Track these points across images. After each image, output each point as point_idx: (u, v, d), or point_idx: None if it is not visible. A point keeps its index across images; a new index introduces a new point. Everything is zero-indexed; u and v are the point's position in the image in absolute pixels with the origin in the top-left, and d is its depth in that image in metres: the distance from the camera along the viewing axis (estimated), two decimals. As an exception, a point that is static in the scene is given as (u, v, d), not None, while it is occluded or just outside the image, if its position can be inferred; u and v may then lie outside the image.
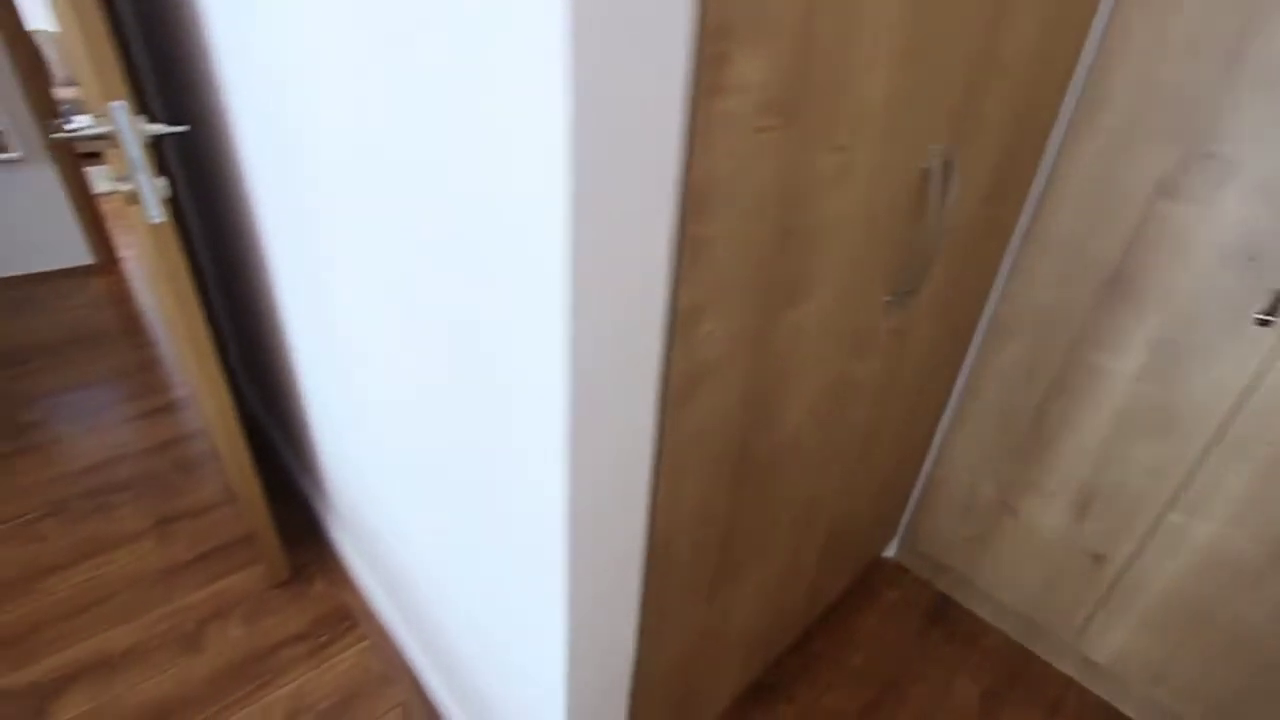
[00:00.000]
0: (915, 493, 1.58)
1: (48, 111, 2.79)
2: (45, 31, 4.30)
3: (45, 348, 2.44)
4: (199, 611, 1.42)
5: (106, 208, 3.87)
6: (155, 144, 0.96)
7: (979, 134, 0.87)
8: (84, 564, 1.52)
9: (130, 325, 2.66)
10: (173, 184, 1.33)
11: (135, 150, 0.97)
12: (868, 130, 0.65)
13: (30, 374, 2.27)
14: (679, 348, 0.57)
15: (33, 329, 2.57)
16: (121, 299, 2.88)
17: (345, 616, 1.42)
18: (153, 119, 1.43)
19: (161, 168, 0.98)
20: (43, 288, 2.93)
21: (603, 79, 0.38)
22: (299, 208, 0.94)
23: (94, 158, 4.15)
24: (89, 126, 1.00)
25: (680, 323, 0.55)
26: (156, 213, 1.02)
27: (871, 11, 0.56)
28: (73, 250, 3.04)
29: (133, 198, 1.01)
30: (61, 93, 4.09)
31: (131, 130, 0.96)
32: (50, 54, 4.44)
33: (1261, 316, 0.98)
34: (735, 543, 0.88)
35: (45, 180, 2.87)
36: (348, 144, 0.69)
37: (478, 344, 0.58)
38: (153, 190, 1.00)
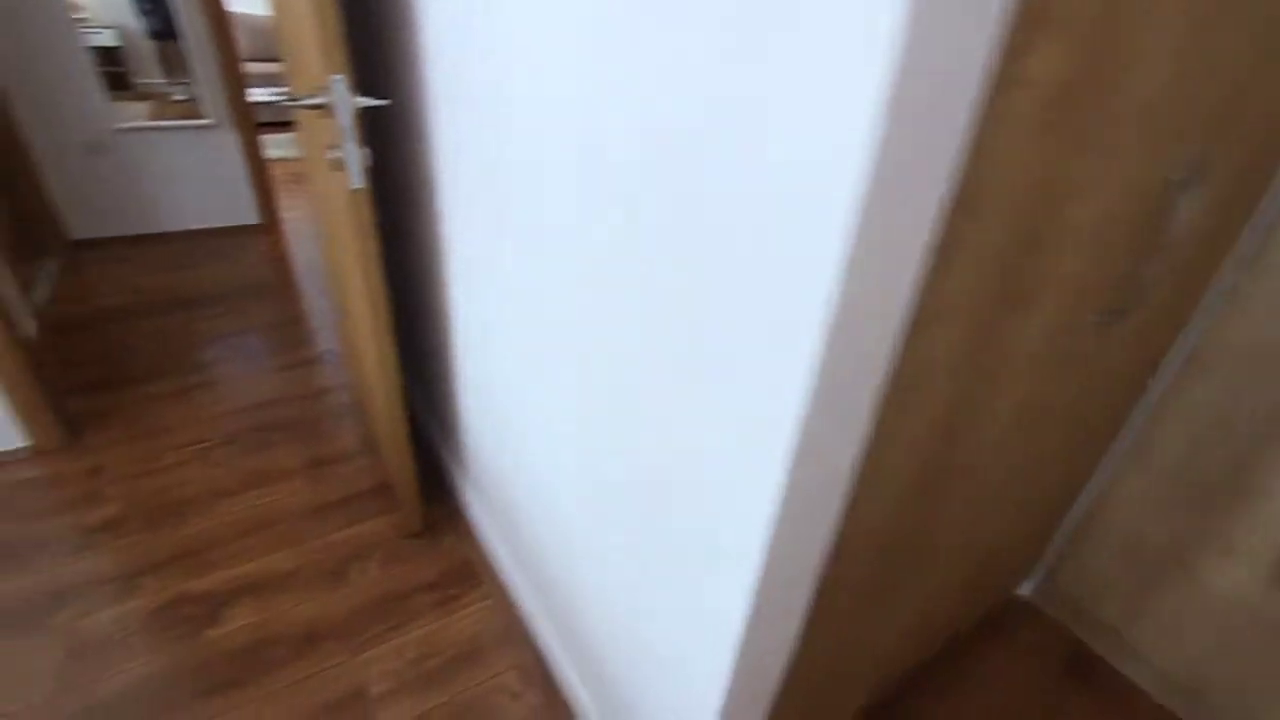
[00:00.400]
0: (1064, 529, 1.46)
1: (237, 84, 3.10)
2: (241, 14, 4.78)
3: (220, 296, 2.72)
4: (342, 550, 1.55)
5: (275, 172, 4.26)
6: (360, 116, 1.04)
7: (1233, 137, 0.78)
8: (250, 493, 1.69)
9: (285, 281, 2.92)
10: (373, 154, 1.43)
11: (347, 120, 1.05)
12: (1128, 131, 0.59)
13: (208, 318, 2.55)
14: (907, 355, 0.54)
15: (211, 278, 2.88)
16: (279, 257, 3.16)
17: (470, 575, 1.50)
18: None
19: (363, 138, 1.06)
20: (219, 241, 3.27)
21: (915, 68, 0.37)
22: (499, 196, 0.98)
23: (269, 127, 4.58)
24: (291, 99, 1.09)
25: (915, 329, 0.53)
26: (358, 179, 1.10)
27: (1169, -1, 0.51)
28: (245, 210, 3.37)
29: (337, 164, 1.10)
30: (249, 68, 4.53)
31: (346, 102, 1.04)
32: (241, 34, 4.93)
33: None
34: (897, 559, 0.84)
35: (229, 145, 3.19)
36: (573, 137, 0.71)
37: (704, 339, 0.57)
38: (357, 159, 1.08)
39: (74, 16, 2.71)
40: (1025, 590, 1.57)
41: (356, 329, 1.47)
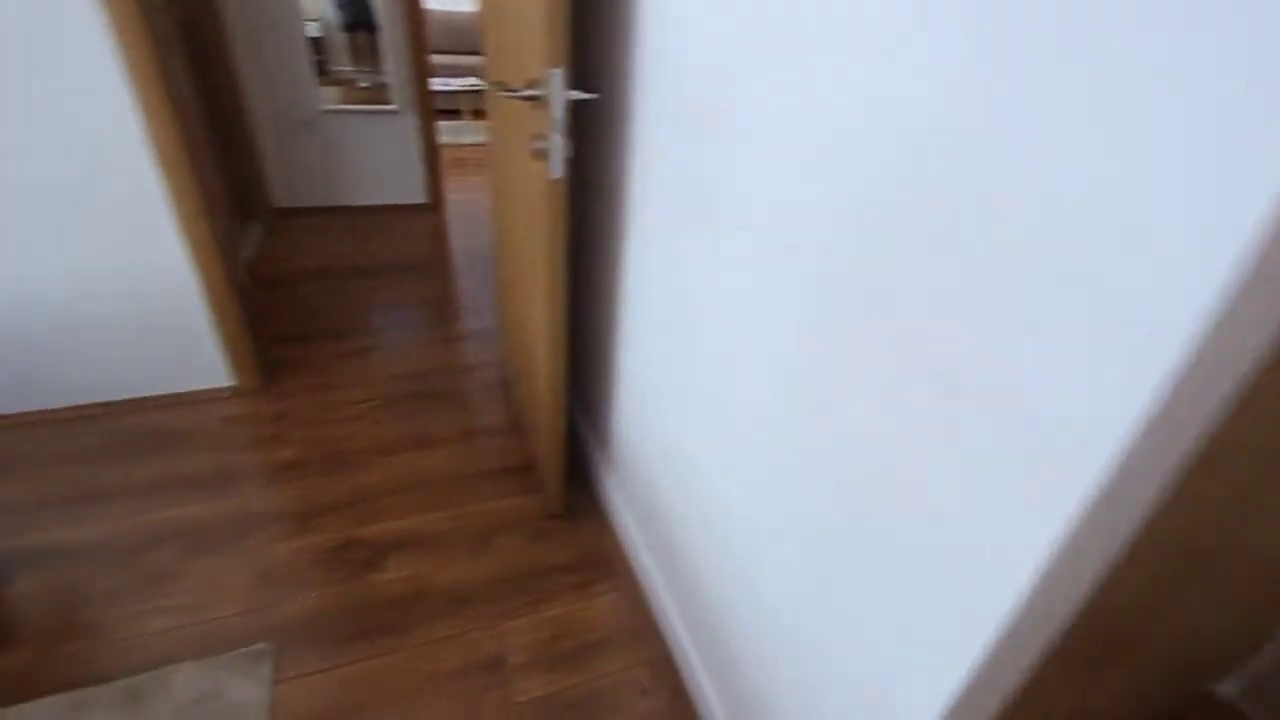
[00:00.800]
0: (1288, 629, 1.24)
1: (423, 75, 3.36)
2: (433, 10, 5.20)
3: (390, 268, 2.97)
4: (487, 519, 1.62)
5: (445, 157, 4.59)
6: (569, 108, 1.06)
7: None
8: (407, 453, 1.82)
9: (443, 259, 3.13)
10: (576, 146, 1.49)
11: (559, 112, 1.08)
12: None
13: (380, 287, 2.78)
14: (1231, 418, 0.46)
15: (383, 251, 3.14)
16: (440, 236, 3.40)
17: (606, 563, 1.52)
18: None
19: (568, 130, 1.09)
20: (392, 217, 3.57)
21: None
22: (707, 199, 0.97)
23: (441, 114, 4.95)
24: (504, 89, 1.15)
25: (1249, 390, 0.45)
26: (559, 170, 1.13)
27: None
28: (416, 189, 3.65)
29: (541, 154, 1.14)
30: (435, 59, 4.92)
31: (561, 95, 1.07)
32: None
33: None
34: (1118, 634, 0.74)
35: (409, 130, 3.47)
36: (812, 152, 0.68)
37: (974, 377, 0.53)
38: (561, 150, 1.12)
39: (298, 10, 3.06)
40: (1226, 689, 1.35)
41: (528, 311, 1.54)
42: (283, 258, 2.97)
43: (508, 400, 2.09)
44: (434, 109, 3.52)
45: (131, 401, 1.91)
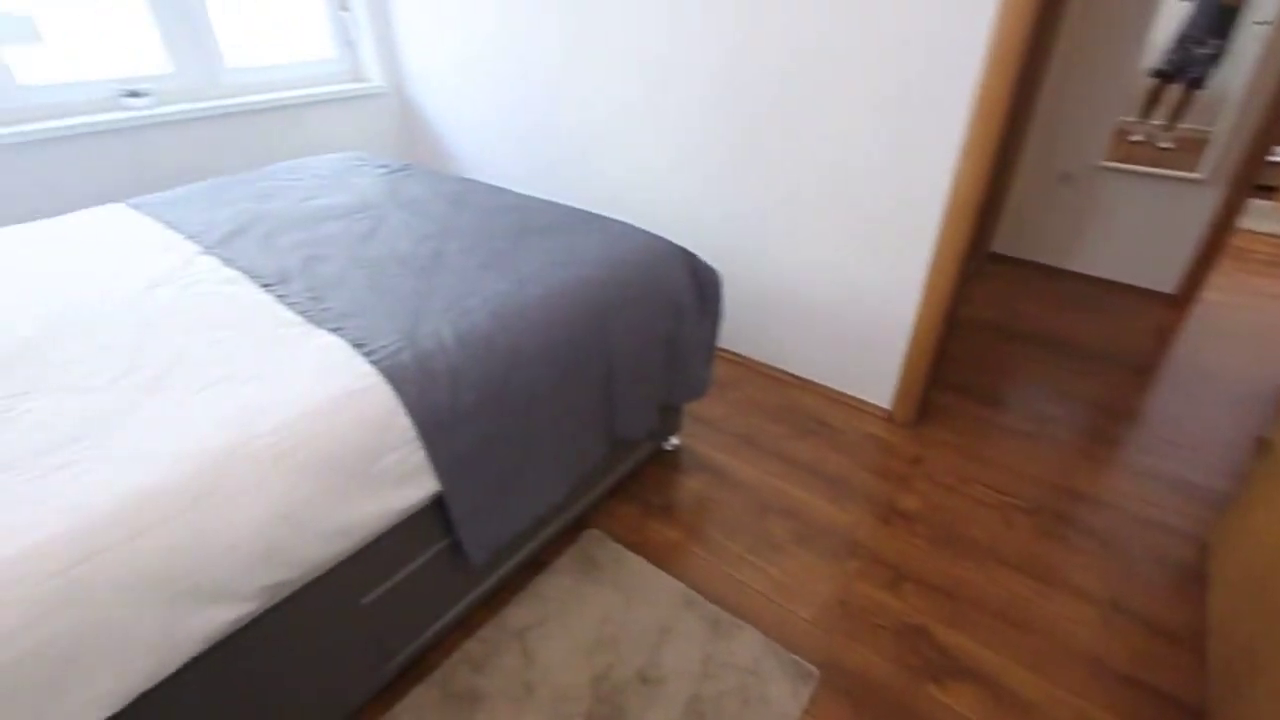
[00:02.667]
0: None
1: (1262, 145, 2.57)
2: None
3: (1087, 353, 2.52)
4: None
5: (1231, 242, 3.60)
6: None
7: None
8: (1028, 580, 1.52)
9: (1158, 367, 2.44)
10: None
11: None
12: None
13: (1063, 368, 2.40)
14: None
15: (1085, 329, 2.69)
16: (1166, 337, 2.67)
17: None
18: None
19: None
20: (1112, 295, 3.01)
21: None
22: None
23: (1261, 191, 3.81)
24: None
25: None
26: None
27: None
28: (1165, 275, 2.96)
29: None
30: None
31: None
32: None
33: None
34: None
35: (1198, 204, 2.78)
36: None
37: None
38: None
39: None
40: None
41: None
42: (967, 298, 2.89)
43: (1194, 600, 1.49)
44: (1253, 184, 2.69)
45: (811, 384, 2.22)
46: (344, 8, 2.73)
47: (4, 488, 0.79)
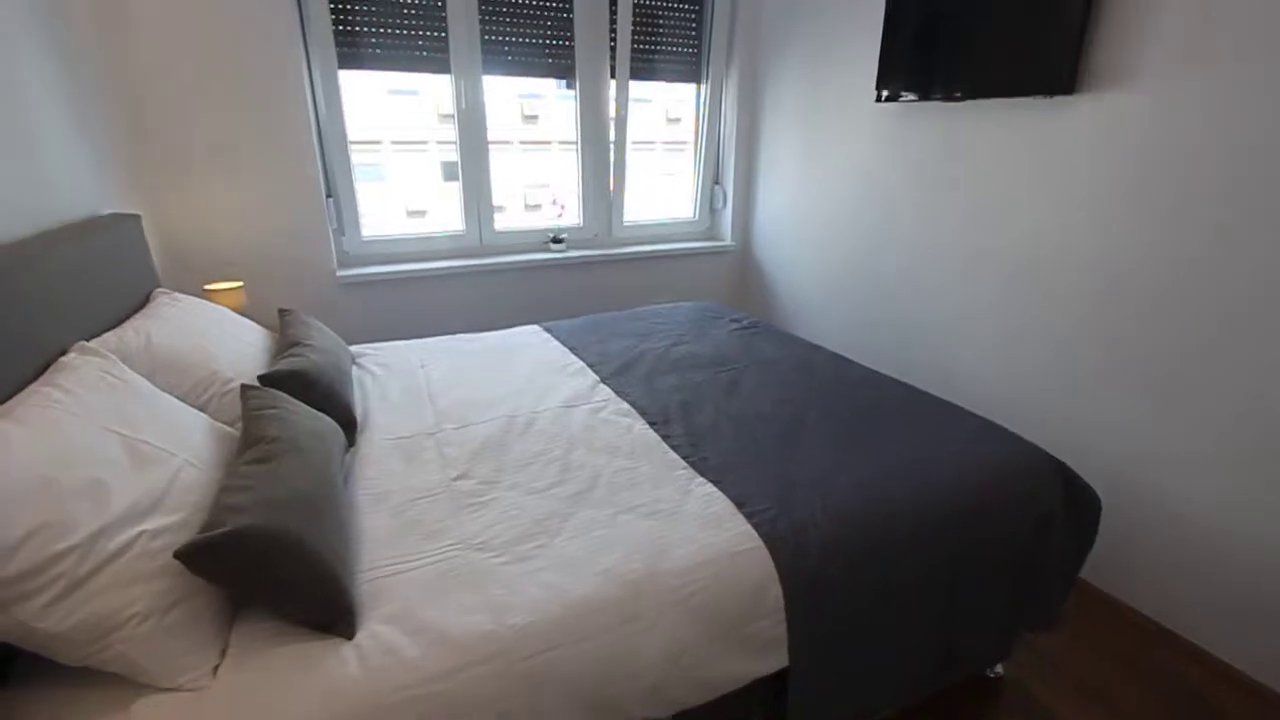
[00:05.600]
0: None
1: None
2: None
3: None
4: None
5: None
6: None
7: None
8: None
9: None
10: None
11: None
12: None
13: None
14: None
15: None
16: None
17: None
18: None
19: None
20: None
21: None
22: None
23: None
24: None
25: None
26: None
27: None
28: None
29: None
30: None
31: None
32: None
33: None
34: None
35: None
36: None
37: None
38: None
39: None
40: None
41: None
42: None
43: None
44: None
45: (1204, 653, 1.75)
46: (717, 181, 3.24)
47: (485, 566, 1.02)
